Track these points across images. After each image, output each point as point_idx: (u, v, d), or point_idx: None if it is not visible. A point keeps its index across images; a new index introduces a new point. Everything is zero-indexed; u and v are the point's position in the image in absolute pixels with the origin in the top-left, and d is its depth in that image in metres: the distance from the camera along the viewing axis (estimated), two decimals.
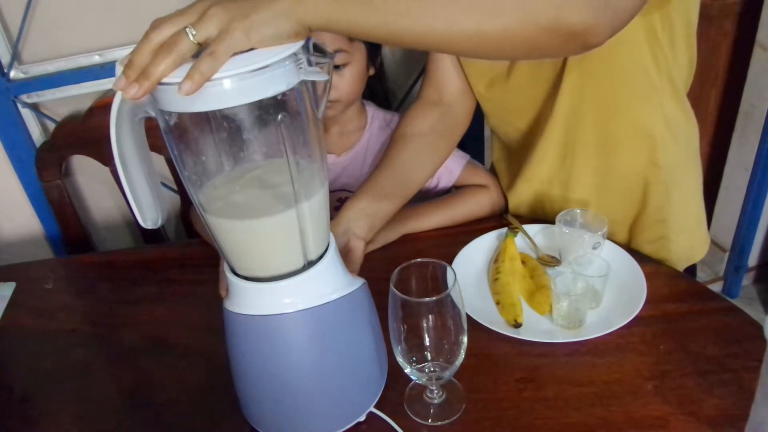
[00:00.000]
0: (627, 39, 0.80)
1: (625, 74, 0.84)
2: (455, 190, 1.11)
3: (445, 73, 0.99)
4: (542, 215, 1.01)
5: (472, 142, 1.56)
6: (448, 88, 1.00)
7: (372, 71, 1.09)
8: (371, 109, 1.16)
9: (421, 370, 0.68)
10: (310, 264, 0.63)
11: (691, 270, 1.03)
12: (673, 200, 0.93)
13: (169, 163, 1.29)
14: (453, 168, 1.08)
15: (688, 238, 0.99)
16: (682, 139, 0.93)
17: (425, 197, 1.07)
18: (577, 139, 0.91)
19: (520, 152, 1.00)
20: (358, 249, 0.86)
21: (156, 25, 0.51)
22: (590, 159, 0.92)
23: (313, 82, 0.56)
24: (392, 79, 1.32)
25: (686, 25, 0.84)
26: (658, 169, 0.90)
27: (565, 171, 0.95)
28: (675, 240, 0.96)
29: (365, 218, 0.89)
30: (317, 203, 0.60)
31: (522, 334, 0.77)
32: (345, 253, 0.85)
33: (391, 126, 1.13)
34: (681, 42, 0.84)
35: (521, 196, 1.02)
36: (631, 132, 0.88)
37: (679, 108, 0.90)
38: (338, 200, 1.13)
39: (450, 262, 0.79)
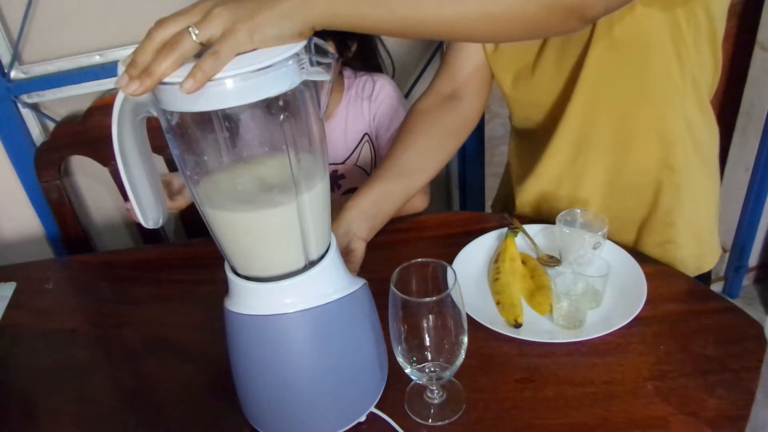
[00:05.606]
0: (650, 33, 0.79)
1: (646, 69, 0.83)
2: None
3: (463, 61, 0.98)
4: (549, 212, 1.00)
5: (473, 143, 1.56)
6: (463, 78, 0.98)
7: (350, 54, 1.11)
8: (348, 80, 1.17)
9: (421, 370, 0.68)
10: (311, 264, 0.63)
11: (704, 280, 1.01)
12: (685, 205, 0.93)
13: (170, 163, 1.29)
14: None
15: (697, 246, 0.98)
16: (700, 145, 0.92)
17: None
18: (592, 135, 0.90)
19: (534, 146, 0.99)
20: (360, 250, 0.86)
21: (159, 24, 0.51)
22: (603, 155, 0.92)
23: (315, 82, 0.56)
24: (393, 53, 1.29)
25: (711, 24, 0.82)
26: (672, 171, 0.90)
27: (576, 167, 0.94)
28: (682, 246, 0.95)
29: (367, 219, 0.89)
30: (318, 197, 0.60)
31: (522, 334, 0.77)
32: (346, 254, 0.85)
33: (365, 92, 1.14)
34: (706, 43, 0.83)
35: (530, 192, 1.01)
36: (647, 130, 0.88)
37: (700, 113, 0.90)
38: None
39: (450, 262, 0.79)
